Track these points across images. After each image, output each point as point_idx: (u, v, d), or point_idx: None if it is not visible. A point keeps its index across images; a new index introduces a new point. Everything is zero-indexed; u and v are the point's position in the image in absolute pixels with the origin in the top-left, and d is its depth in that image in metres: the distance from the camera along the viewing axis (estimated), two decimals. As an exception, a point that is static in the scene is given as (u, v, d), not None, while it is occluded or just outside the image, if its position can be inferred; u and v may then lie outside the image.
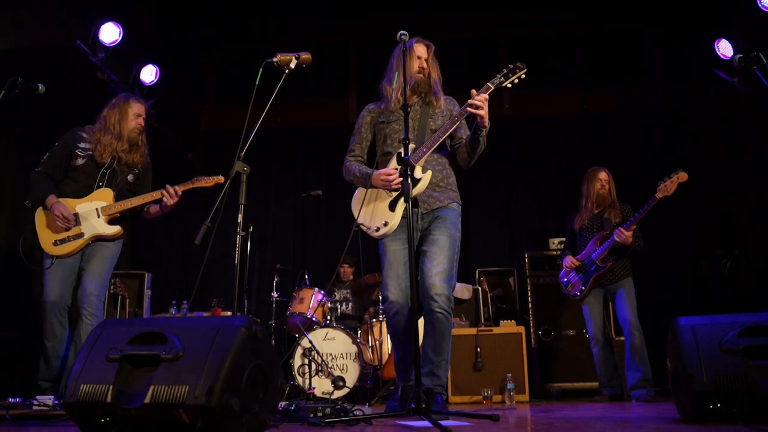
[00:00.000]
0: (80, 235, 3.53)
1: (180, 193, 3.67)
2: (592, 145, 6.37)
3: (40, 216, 3.56)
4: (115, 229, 3.61)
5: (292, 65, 2.85)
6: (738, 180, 5.55)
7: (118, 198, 3.65)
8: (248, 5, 6.37)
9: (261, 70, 2.76)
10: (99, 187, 3.64)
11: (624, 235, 4.21)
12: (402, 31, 2.88)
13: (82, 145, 3.66)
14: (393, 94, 3.20)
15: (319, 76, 6.87)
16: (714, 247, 5.77)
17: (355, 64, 7.05)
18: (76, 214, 3.54)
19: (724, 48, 4.97)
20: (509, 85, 3.09)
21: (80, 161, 3.63)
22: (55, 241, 3.50)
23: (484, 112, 2.92)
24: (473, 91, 2.95)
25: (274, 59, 2.84)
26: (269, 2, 6.35)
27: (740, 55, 4.32)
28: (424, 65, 3.18)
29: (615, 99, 6.72)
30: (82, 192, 3.60)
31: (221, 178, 3.65)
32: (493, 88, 3.02)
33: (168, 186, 3.64)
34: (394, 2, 6.34)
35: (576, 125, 6.62)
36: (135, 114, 3.75)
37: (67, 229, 3.51)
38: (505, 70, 3.09)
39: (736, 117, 5.43)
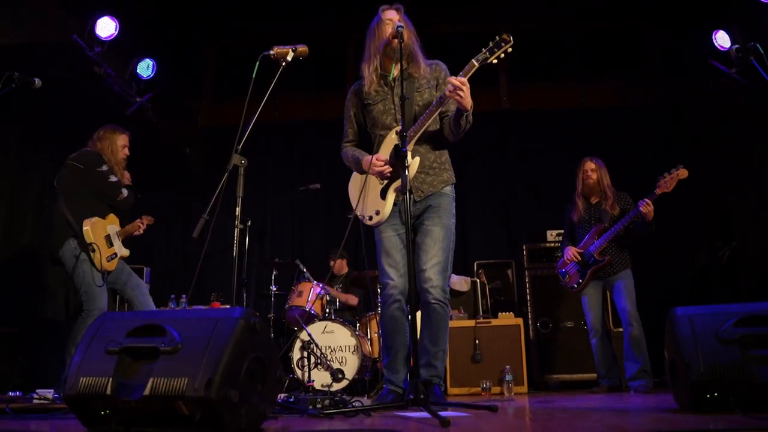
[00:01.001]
0: (115, 255, 3.94)
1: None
2: (589, 139, 6.36)
3: (96, 229, 3.82)
4: (128, 252, 4.09)
5: (289, 58, 2.84)
6: (737, 175, 5.55)
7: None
8: (249, 0, 6.37)
9: (258, 62, 2.75)
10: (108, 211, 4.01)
11: (650, 206, 4.14)
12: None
13: (105, 168, 3.93)
14: (368, 74, 3.11)
15: (317, 69, 6.85)
16: (713, 241, 5.78)
17: (353, 57, 7.03)
18: (108, 235, 3.91)
19: (722, 39, 4.96)
20: (495, 61, 2.86)
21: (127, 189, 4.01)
22: (108, 257, 3.85)
23: (463, 95, 2.76)
24: (450, 79, 2.78)
25: (271, 52, 2.83)
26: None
27: (737, 46, 4.31)
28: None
29: (613, 93, 6.72)
30: (105, 212, 3.95)
31: (151, 219, 4.29)
32: (477, 65, 2.85)
33: (145, 218, 4.22)
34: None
35: (574, 119, 6.62)
36: (122, 145, 4.08)
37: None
38: (491, 43, 2.85)
39: (735, 112, 5.42)
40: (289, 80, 3.02)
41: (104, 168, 3.89)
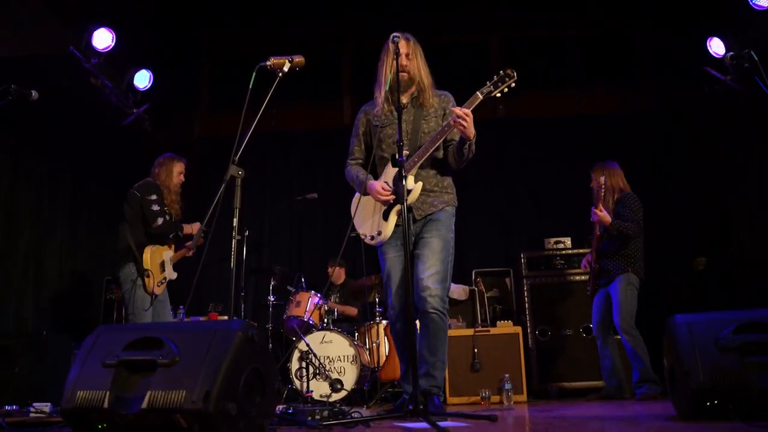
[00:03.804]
0: (165, 279, 4.25)
1: None
2: (589, 144, 6.34)
3: (154, 256, 4.13)
4: (176, 275, 4.34)
5: (286, 68, 2.84)
6: (735, 179, 5.56)
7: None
8: (244, 12, 6.39)
9: (254, 73, 2.74)
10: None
11: (597, 215, 4.16)
12: (395, 34, 2.89)
13: (154, 197, 4.18)
14: (380, 100, 3.17)
15: (313, 80, 6.85)
16: (713, 246, 5.77)
17: (349, 68, 7.05)
18: (162, 262, 4.22)
19: (716, 46, 4.98)
20: (499, 95, 2.99)
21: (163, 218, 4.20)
22: (158, 282, 4.16)
23: (466, 125, 2.85)
24: (455, 109, 2.88)
25: (267, 63, 2.83)
26: (263, 9, 6.37)
27: (732, 53, 4.33)
28: (404, 62, 3.06)
29: (611, 100, 6.69)
30: (163, 240, 4.23)
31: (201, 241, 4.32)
32: (481, 98, 2.95)
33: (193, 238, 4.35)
34: (386, 6, 6.34)
35: (572, 127, 6.61)
36: (178, 172, 4.36)
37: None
38: (495, 78, 2.99)
39: (735, 112, 5.41)
40: (285, 90, 3.02)
41: (153, 197, 4.15)
